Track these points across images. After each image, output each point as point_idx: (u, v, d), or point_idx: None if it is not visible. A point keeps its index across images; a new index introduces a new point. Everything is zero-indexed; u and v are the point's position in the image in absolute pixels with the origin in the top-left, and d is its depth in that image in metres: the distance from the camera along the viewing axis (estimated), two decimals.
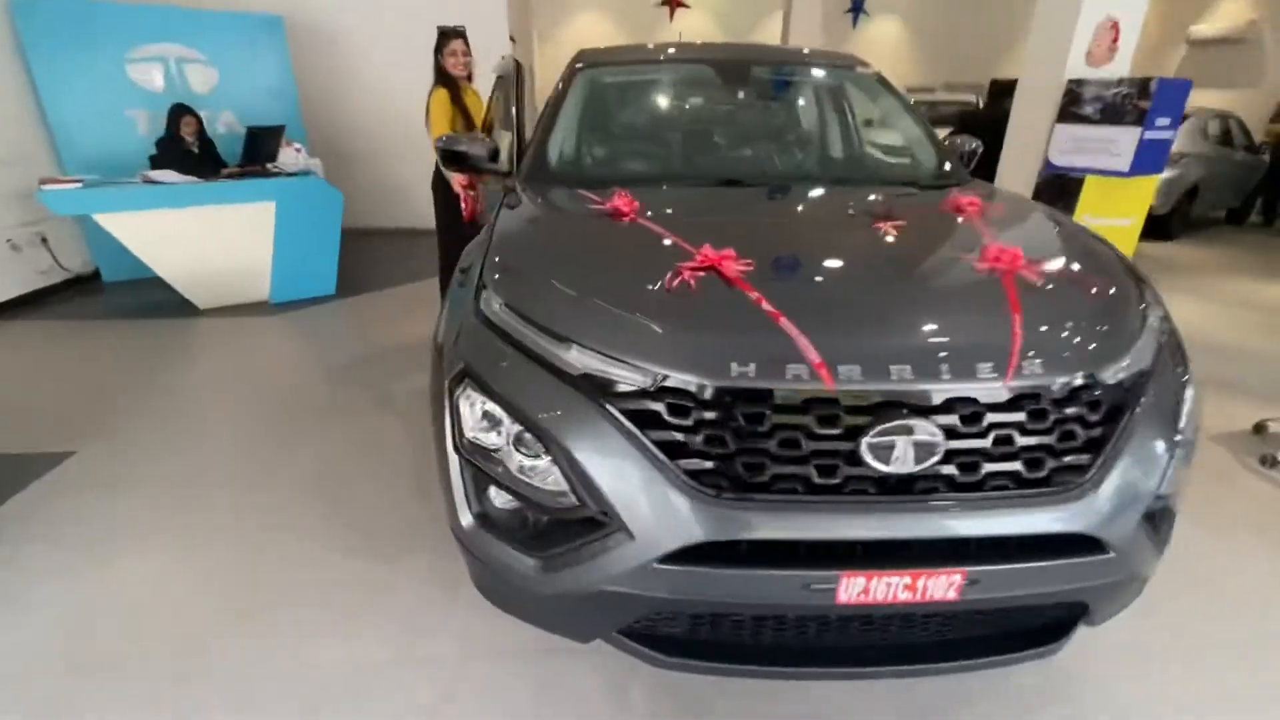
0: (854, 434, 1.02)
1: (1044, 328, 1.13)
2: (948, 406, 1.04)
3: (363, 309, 4.39)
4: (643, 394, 1.08)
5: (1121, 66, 4.02)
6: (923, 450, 1.01)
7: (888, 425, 1.00)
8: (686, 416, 1.05)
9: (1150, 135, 3.56)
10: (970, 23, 12.30)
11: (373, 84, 6.13)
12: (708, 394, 1.05)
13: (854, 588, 1.03)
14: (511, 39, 5.11)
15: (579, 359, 1.13)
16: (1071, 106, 3.81)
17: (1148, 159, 3.63)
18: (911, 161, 2.16)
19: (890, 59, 12.05)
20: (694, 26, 11.79)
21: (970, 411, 1.04)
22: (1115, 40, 3.94)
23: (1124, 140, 3.56)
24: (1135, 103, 3.50)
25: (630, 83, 2.52)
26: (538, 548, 1.15)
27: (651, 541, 1.03)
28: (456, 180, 3.00)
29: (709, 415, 1.05)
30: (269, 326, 4.03)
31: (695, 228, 1.46)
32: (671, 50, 2.53)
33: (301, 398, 2.99)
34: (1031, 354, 1.07)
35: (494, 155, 2.11)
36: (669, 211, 1.67)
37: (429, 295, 4.37)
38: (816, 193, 1.96)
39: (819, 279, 1.35)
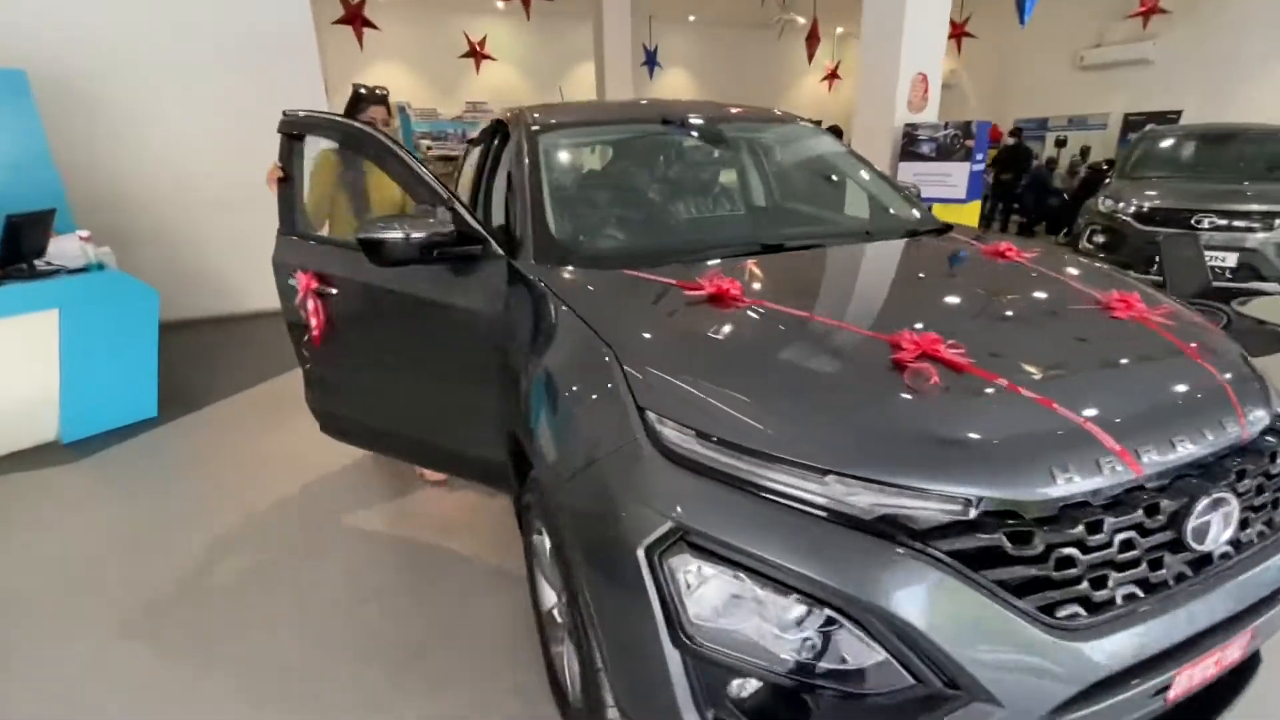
0: (1175, 519, 0.95)
1: (1229, 373, 1.18)
2: (1223, 467, 1.02)
3: (202, 431, 3.43)
4: (961, 526, 0.89)
5: (932, 112, 4.75)
6: (1228, 518, 0.98)
7: (1207, 500, 0.95)
8: (1027, 544, 0.89)
9: (975, 168, 4.24)
10: (745, 73, 13.96)
11: (155, 150, 5.02)
12: (1038, 511, 0.90)
13: (1186, 680, 0.96)
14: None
15: (856, 495, 0.91)
16: (910, 146, 4.39)
17: (974, 187, 4.30)
18: (898, 209, 2.24)
19: (684, 94, 13.14)
20: (500, 79, 11.70)
21: (1240, 467, 1.04)
22: (926, 91, 4.65)
23: (958, 173, 4.19)
24: (963, 142, 4.13)
25: (610, 144, 2.32)
26: None
27: (1027, 702, 0.85)
28: (301, 283, 2.16)
29: (1049, 536, 0.90)
30: (59, 482, 2.91)
31: (834, 306, 1.32)
32: (633, 108, 2.39)
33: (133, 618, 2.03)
34: (1244, 399, 1.10)
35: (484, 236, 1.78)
36: (778, 289, 1.49)
37: (286, 395, 3.61)
38: (883, 251, 1.88)
39: (1037, 351, 1.20)
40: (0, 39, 4.33)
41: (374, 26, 7.93)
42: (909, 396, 1.02)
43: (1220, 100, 8.57)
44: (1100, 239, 5.50)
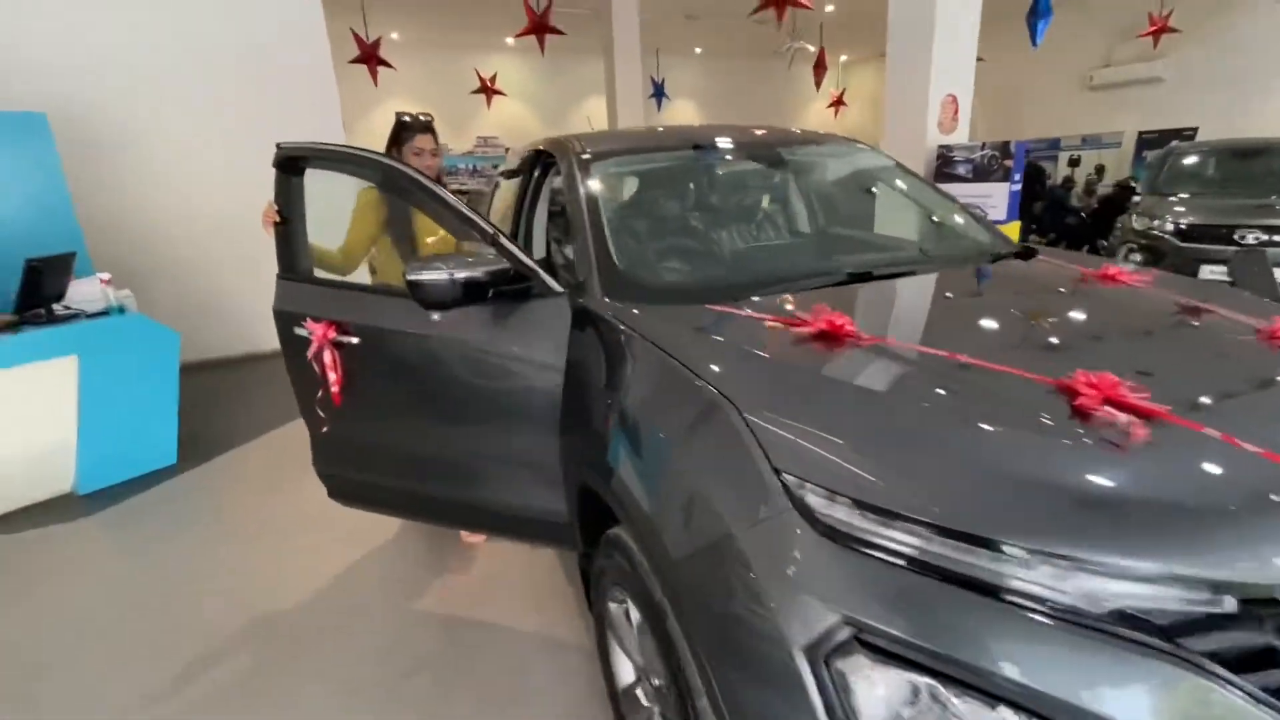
0: None
1: None
2: None
3: (223, 480, 3.27)
4: (1214, 619, 0.72)
5: (963, 133, 4.66)
6: None
7: None
8: None
9: (1014, 188, 4.12)
10: (751, 103, 14.10)
11: (175, 188, 4.98)
12: None
13: None
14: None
15: (1073, 580, 0.74)
16: (945, 168, 4.29)
17: (1013, 207, 4.18)
18: (971, 232, 2.10)
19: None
20: (510, 114, 11.80)
21: None
22: (956, 113, 4.56)
23: (998, 194, 4.07)
24: (1001, 162, 4.02)
25: (664, 171, 2.19)
26: None
27: None
28: (316, 333, 1.91)
29: None
30: (77, 539, 2.74)
31: (964, 342, 1.16)
32: (682, 133, 2.27)
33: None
34: None
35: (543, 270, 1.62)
36: (892, 324, 1.35)
37: (308, 441, 3.46)
38: (983, 277, 1.75)
39: (1228, 393, 1.05)
40: (19, 79, 4.31)
41: (389, 65, 7.99)
42: (1113, 454, 0.86)
43: (1234, 116, 8.52)
44: (1138, 257, 5.38)
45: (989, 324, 1.37)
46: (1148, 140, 9.63)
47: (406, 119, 2.43)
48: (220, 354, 5.22)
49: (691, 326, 1.36)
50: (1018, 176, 4.12)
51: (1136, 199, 6.03)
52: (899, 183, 2.30)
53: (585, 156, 2.01)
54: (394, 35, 9.75)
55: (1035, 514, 0.79)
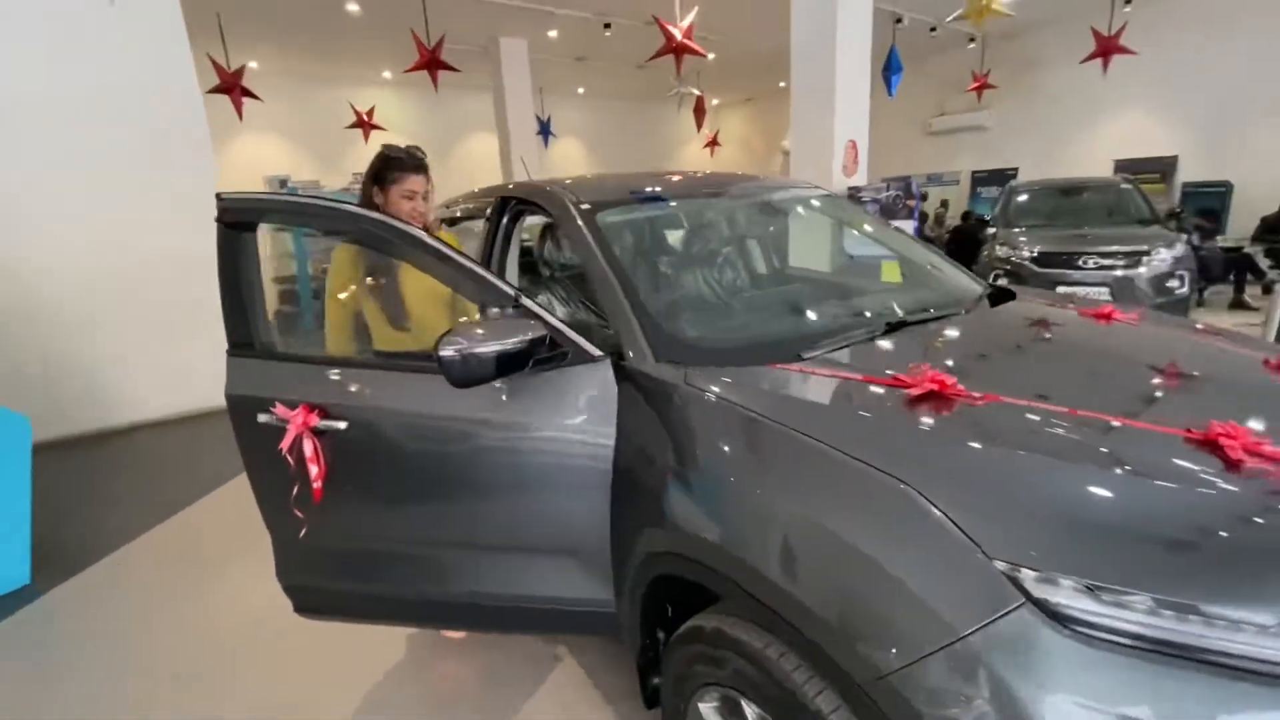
0: None
1: None
2: None
3: (96, 602, 2.62)
4: None
5: (863, 175, 5.06)
6: None
7: None
8: None
9: (915, 224, 4.52)
10: (633, 142, 14.54)
11: (20, 233, 4.12)
12: None
13: None
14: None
15: None
16: None
17: None
18: (951, 273, 2.22)
19: (577, 170, 13.34)
20: None
21: None
22: (856, 156, 4.95)
23: (906, 230, 4.44)
24: (905, 201, 4.39)
25: (673, 222, 2.10)
26: None
27: None
28: (292, 420, 1.59)
29: None
30: None
31: (1066, 394, 1.18)
32: (669, 180, 2.21)
33: None
34: None
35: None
36: (988, 378, 1.32)
37: (199, 538, 2.92)
38: (1009, 320, 1.80)
39: None
40: None
41: (254, 97, 7.26)
42: None
43: (1047, 158, 10.09)
44: (1005, 281, 6.13)
45: (1075, 373, 1.41)
46: (979, 178, 11.13)
47: (392, 155, 2.06)
48: (71, 431, 4.32)
49: (789, 393, 1.28)
50: (917, 213, 4.52)
51: (991, 230, 6.88)
52: (878, 228, 2.40)
53: (585, 207, 1.88)
54: (253, 64, 8.92)
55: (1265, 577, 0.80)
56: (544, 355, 1.46)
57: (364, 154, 10.88)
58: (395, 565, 1.77)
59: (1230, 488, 0.93)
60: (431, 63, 6.96)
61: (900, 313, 1.73)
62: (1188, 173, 8.84)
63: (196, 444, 4.36)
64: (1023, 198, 7.27)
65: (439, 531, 1.69)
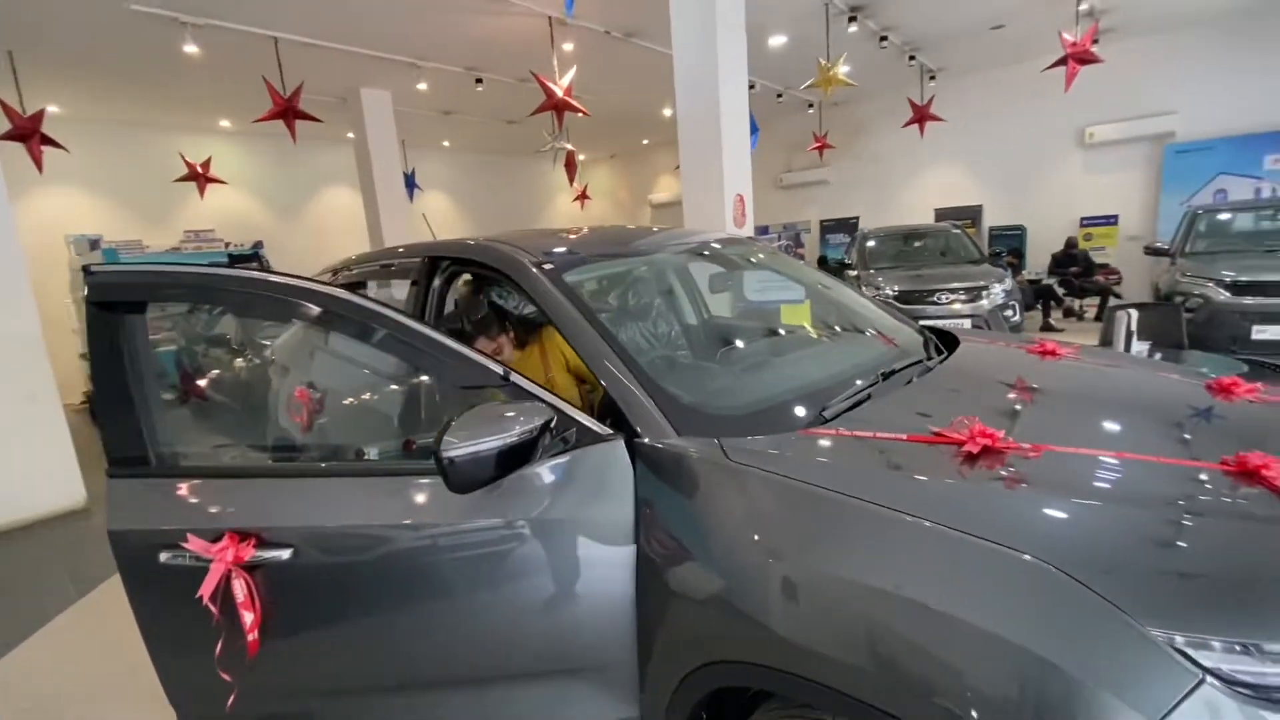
0: None
1: None
2: None
3: None
4: None
5: (750, 226, 5.33)
6: None
7: None
8: None
9: None
10: (501, 195, 14.39)
11: None
12: None
13: None
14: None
15: None
16: None
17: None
18: (889, 321, 2.31)
19: (445, 224, 12.86)
20: (231, 204, 10.05)
21: None
22: (744, 210, 5.22)
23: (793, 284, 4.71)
24: (796, 249, 4.66)
25: (644, 280, 1.97)
26: None
27: None
28: (217, 557, 1.28)
29: None
30: None
31: (1103, 438, 1.22)
32: (617, 236, 2.12)
33: None
34: None
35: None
36: (1021, 428, 1.32)
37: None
38: (981, 364, 1.88)
39: None
40: None
41: (58, 146, 6.16)
42: None
43: (882, 207, 11.42)
44: None
45: (1084, 414, 1.47)
46: (827, 226, 12.31)
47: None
48: None
49: (854, 463, 1.20)
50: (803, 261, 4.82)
51: (854, 273, 7.57)
52: (823, 280, 2.47)
53: (549, 267, 1.72)
54: (53, 108, 7.63)
55: None
56: (549, 441, 1.28)
57: (199, 210, 9.69)
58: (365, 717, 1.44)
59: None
60: (287, 111, 6.39)
61: (890, 364, 1.75)
62: (991, 218, 10.43)
63: None
64: (872, 243, 8.12)
65: (429, 671, 1.40)
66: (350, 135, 10.40)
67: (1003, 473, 1.11)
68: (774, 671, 1.06)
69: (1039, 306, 8.50)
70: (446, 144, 12.79)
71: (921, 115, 8.77)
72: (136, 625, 1.43)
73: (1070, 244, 8.71)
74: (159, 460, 1.41)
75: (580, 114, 6.69)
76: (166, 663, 1.44)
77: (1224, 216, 6.41)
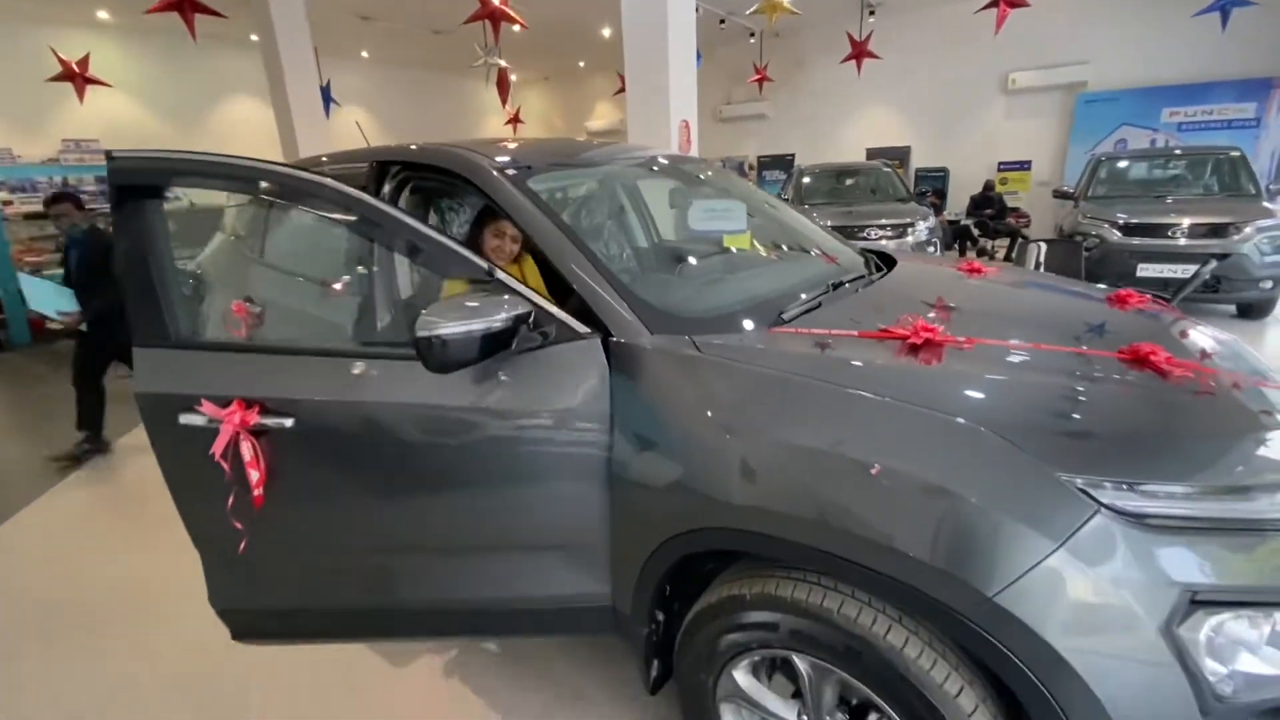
0: None
1: None
2: None
3: None
4: None
5: (694, 153, 5.33)
6: None
7: None
8: None
9: None
10: (427, 114, 13.53)
11: None
12: None
13: None
14: None
15: None
16: None
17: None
18: (831, 240, 2.44)
19: (361, 140, 12.06)
20: (116, 112, 8.97)
21: None
22: (689, 136, 5.19)
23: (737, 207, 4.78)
24: (744, 175, 4.72)
25: (607, 189, 1.98)
26: None
27: None
28: (225, 420, 1.40)
29: None
30: None
31: (1023, 334, 1.39)
32: (584, 147, 2.12)
33: None
34: None
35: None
36: (959, 324, 1.47)
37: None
38: (919, 278, 2.06)
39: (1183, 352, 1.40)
40: None
41: None
42: (1212, 401, 1.16)
43: (816, 145, 11.57)
44: None
45: (1007, 316, 1.65)
46: (764, 162, 12.38)
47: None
48: None
49: (812, 353, 1.32)
50: None
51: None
52: (771, 199, 2.55)
53: (512, 173, 1.70)
54: None
55: (1240, 457, 1.05)
56: (527, 334, 1.34)
57: (79, 116, 8.73)
58: (354, 575, 1.59)
59: (1181, 391, 1.19)
60: (183, 2, 5.69)
61: (838, 277, 1.87)
62: (919, 160, 10.81)
63: None
64: (807, 179, 8.29)
65: (408, 535, 1.53)
66: (254, 38, 9.42)
67: (941, 359, 1.26)
68: (741, 533, 1.19)
69: (955, 245, 9.03)
70: (365, 54, 11.79)
71: (859, 52, 8.82)
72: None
73: (988, 187, 9.20)
74: (177, 333, 1.53)
75: (517, 25, 6.32)
76: (189, 510, 1.59)
77: (1122, 164, 6.94)
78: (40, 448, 4.00)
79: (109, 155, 1.45)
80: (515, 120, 14.40)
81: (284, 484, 1.47)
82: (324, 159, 2.21)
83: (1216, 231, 5.27)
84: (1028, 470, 0.99)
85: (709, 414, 1.25)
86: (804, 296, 1.70)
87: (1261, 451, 1.08)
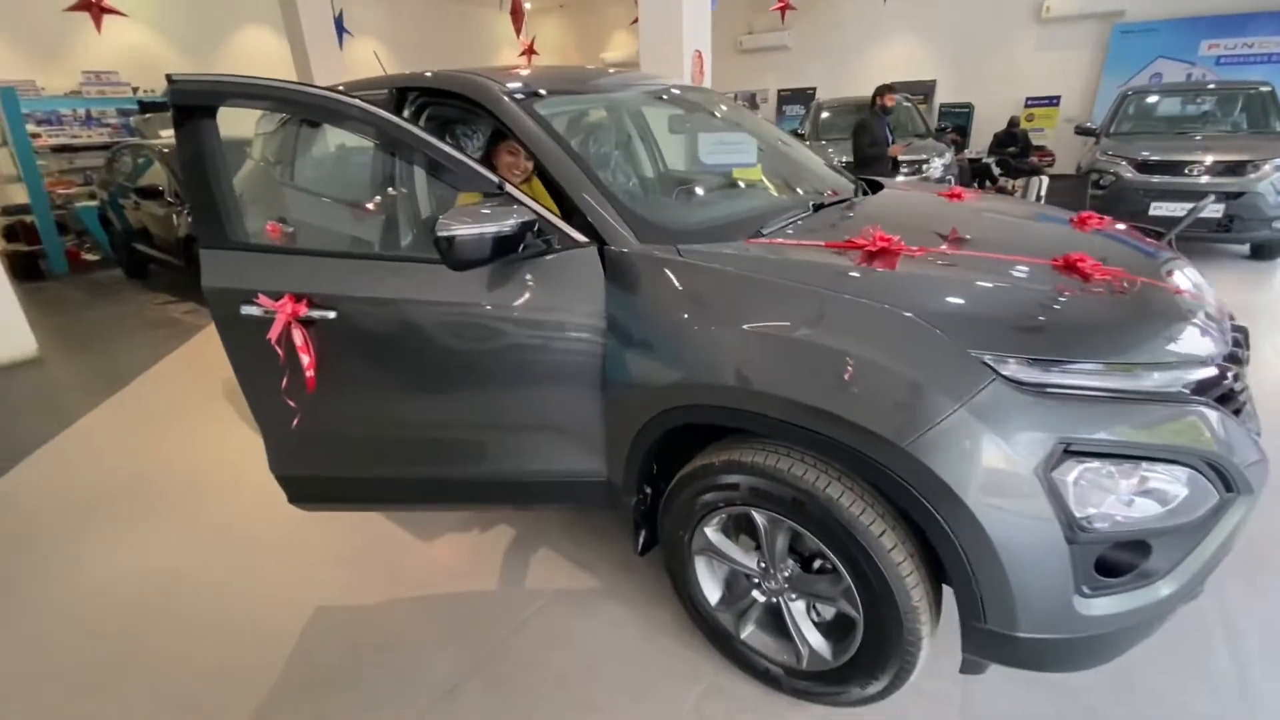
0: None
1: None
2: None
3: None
4: (1215, 380, 1.26)
5: (708, 84, 5.32)
6: None
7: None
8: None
9: None
10: (440, 45, 13.28)
11: None
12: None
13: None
14: None
15: (1157, 376, 1.22)
16: None
17: None
18: (823, 166, 2.56)
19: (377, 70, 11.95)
20: (134, 43, 9.00)
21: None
22: (702, 67, 5.18)
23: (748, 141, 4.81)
24: (755, 108, 4.74)
25: (608, 114, 2.14)
26: None
27: (1257, 485, 1.25)
28: (279, 311, 1.62)
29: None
30: None
31: (974, 244, 1.56)
32: (585, 74, 2.26)
33: None
34: None
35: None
36: (913, 237, 1.61)
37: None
38: (904, 200, 2.24)
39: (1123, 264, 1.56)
40: None
41: None
42: (1130, 301, 1.34)
43: (838, 79, 11.25)
44: None
45: (966, 230, 1.80)
46: (784, 96, 12.09)
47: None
48: None
49: (779, 258, 1.51)
50: None
51: (806, 144, 7.66)
52: (766, 126, 2.66)
53: (521, 97, 1.87)
54: None
55: (1131, 341, 1.24)
56: (533, 241, 1.53)
57: (97, 47, 8.78)
58: (391, 449, 1.87)
59: (1096, 290, 1.37)
60: None
61: (821, 198, 2.03)
62: (944, 95, 10.50)
63: None
64: (826, 114, 8.16)
65: (433, 415, 1.79)
66: None
67: (893, 265, 1.44)
68: (710, 408, 1.42)
69: (975, 184, 8.90)
70: None
71: None
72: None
73: (1013, 123, 8.97)
74: (235, 237, 1.75)
75: None
76: (250, 389, 1.85)
77: (1151, 99, 6.74)
78: (95, 361, 4.36)
79: (169, 79, 1.62)
80: (530, 51, 14.08)
81: (328, 368, 1.71)
82: (340, 88, 2.38)
83: (1233, 170, 5.20)
84: (944, 348, 1.19)
85: (685, 305, 1.45)
86: (787, 214, 1.86)
87: (1150, 341, 1.27)
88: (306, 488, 1.95)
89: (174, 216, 5.47)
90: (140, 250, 6.43)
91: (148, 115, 8.54)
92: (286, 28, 8.04)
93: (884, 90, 5.96)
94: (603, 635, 1.83)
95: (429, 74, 2.07)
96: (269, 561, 2.22)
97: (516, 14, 10.50)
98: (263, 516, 2.44)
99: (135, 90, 8.89)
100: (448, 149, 1.56)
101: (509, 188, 1.56)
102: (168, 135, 7.75)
